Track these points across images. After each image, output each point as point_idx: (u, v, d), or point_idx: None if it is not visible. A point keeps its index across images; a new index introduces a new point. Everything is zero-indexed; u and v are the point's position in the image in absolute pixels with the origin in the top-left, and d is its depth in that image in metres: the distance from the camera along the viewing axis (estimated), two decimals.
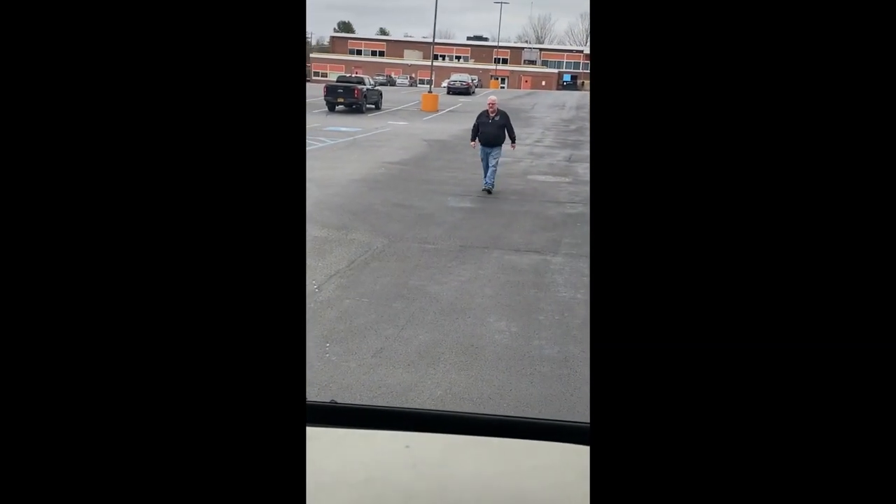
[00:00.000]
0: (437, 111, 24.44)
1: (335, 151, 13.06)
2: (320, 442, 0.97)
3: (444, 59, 63.92)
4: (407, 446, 0.96)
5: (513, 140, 9.67)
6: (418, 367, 3.93)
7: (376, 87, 25.40)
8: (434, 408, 3.36)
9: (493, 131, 9.36)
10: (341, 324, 4.51)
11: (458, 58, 68.08)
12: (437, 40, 36.24)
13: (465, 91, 38.81)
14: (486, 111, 9.45)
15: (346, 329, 4.42)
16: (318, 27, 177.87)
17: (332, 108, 22.25)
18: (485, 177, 9.50)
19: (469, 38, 74.05)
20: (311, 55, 68.45)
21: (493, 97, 9.82)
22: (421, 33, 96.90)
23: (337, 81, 24.03)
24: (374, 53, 68.99)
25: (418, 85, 52.64)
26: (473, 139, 9.70)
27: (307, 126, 16.35)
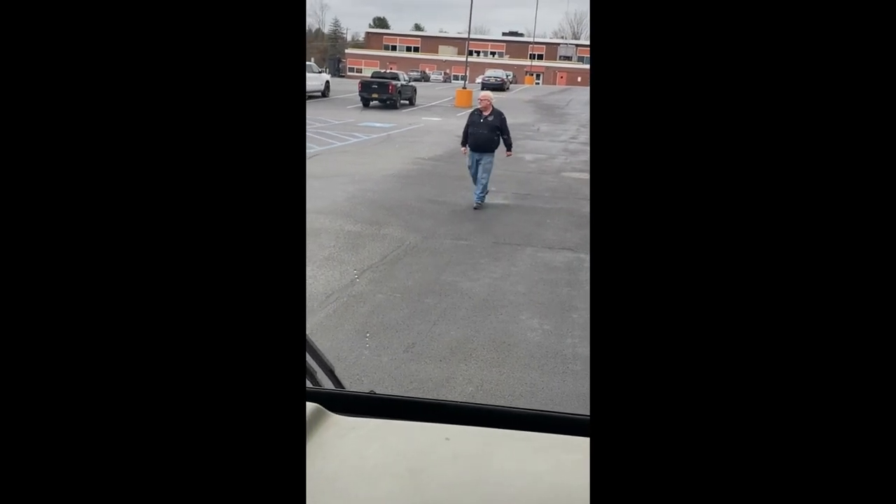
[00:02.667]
0: (471, 107, 24.42)
1: (369, 147, 13.13)
2: (361, 432, 0.98)
3: (478, 54, 63.74)
4: (447, 438, 0.96)
5: (508, 146, 8.07)
6: (450, 362, 3.93)
7: (410, 83, 25.48)
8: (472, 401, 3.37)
9: (484, 133, 7.84)
10: (374, 318, 4.54)
11: (492, 53, 67.85)
12: (471, 36, 36.18)
13: (499, 87, 38.63)
14: (479, 109, 7.98)
15: (379, 324, 4.45)
16: (354, 23, 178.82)
17: (366, 103, 22.37)
18: (475, 189, 8.01)
19: (504, 34, 73.72)
20: (346, 51, 68.99)
21: (487, 92, 8.27)
22: (456, 29, 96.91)
23: (371, 77, 24.15)
24: (408, 49, 69.19)
25: (452, 81, 52.63)
26: (465, 143, 8.12)
27: (342, 121, 16.49)
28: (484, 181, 7.97)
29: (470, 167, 8.10)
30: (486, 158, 7.92)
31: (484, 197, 8.12)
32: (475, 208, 7.94)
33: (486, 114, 7.92)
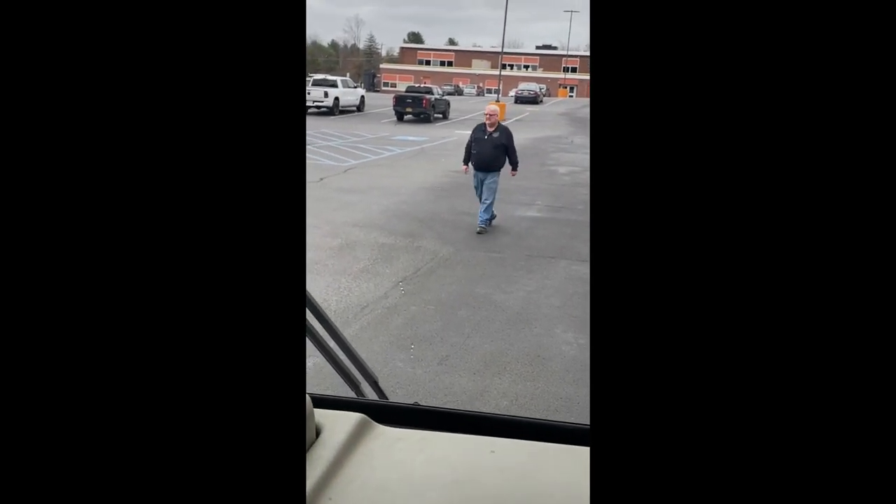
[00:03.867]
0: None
1: (403, 160, 13.23)
2: (407, 443, 0.98)
3: (512, 68, 63.91)
4: (492, 451, 0.95)
5: (514, 165, 7.40)
6: (484, 375, 3.91)
7: (444, 97, 25.64)
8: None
9: (488, 151, 7.16)
10: (408, 330, 4.55)
11: (526, 67, 67.96)
12: (505, 50, 36.26)
13: (532, 100, 38.66)
14: (483, 124, 7.27)
15: (413, 336, 4.45)
16: (388, 38, 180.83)
17: (400, 117, 22.60)
18: (480, 210, 7.37)
19: (538, 48, 73.84)
20: (381, 66, 69.85)
21: (492, 106, 7.45)
22: (489, 43, 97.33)
23: (406, 92, 24.39)
24: (442, 63, 69.72)
25: (486, 94, 52.79)
26: (467, 162, 7.49)
27: (377, 135, 16.66)
28: (489, 201, 7.29)
29: (476, 187, 7.45)
30: (490, 178, 7.26)
31: (490, 220, 7.45)
32: (478, 233, 7.25)
33: (490, 130, 7.22)
